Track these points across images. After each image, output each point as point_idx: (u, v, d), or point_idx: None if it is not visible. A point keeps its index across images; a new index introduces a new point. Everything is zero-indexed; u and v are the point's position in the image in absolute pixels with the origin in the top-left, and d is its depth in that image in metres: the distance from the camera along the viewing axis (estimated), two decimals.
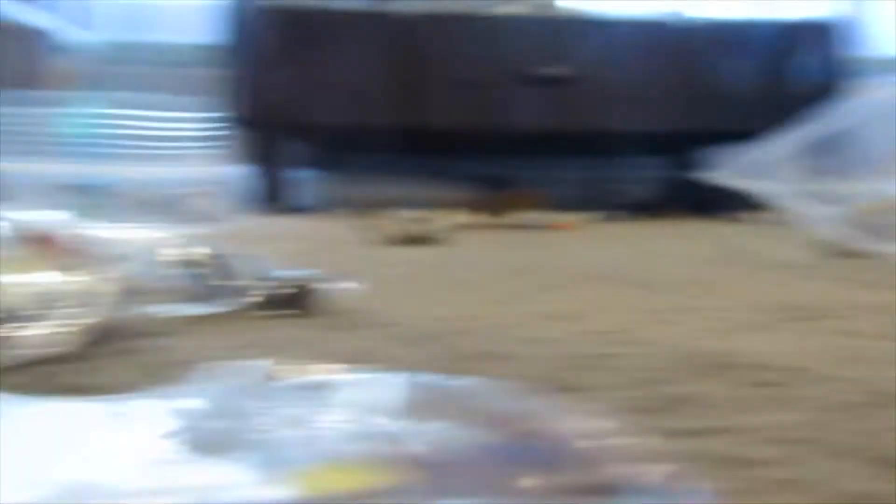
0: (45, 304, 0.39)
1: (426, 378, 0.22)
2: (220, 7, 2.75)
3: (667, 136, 2.35)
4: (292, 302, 0.45)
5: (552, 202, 2.49)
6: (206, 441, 0.19)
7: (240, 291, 0.45)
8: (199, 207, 2.18)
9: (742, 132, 1.37)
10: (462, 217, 1.20)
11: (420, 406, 0.21)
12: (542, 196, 2.43)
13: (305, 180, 2.42)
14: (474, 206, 2.21)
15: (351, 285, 0.46)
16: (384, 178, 2.48)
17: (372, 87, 2.23)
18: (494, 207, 2.17)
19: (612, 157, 2.78)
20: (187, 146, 2.52)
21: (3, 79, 1.01)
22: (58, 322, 0.36)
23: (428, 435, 0.20)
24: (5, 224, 0.35)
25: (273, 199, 2.22)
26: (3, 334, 0.38)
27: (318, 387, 0.23)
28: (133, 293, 0.40)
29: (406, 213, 1.47)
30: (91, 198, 1.57)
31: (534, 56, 2.21)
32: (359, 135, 2.64)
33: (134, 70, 2.61)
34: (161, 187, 2.08)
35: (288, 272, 0.48)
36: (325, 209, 2.38)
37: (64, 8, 2.77)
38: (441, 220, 1.17)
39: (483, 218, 1.37)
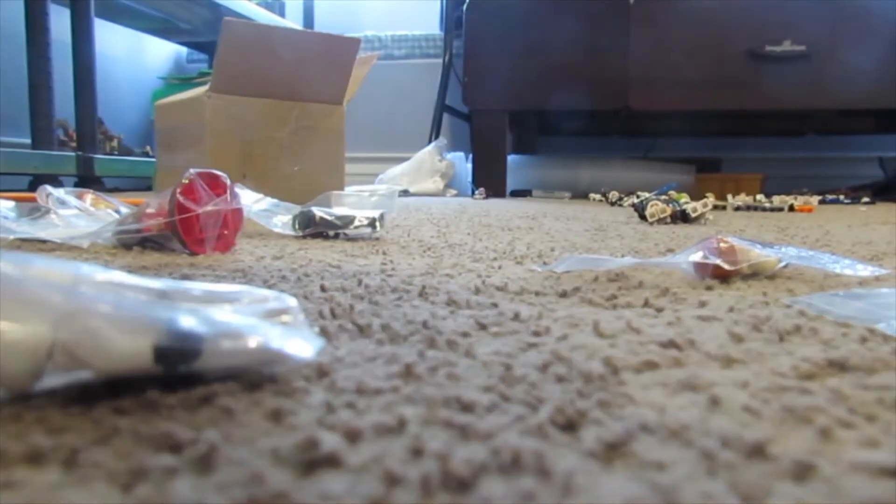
0: None
1: None
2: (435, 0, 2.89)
3: None
4: None
5: (774, 184, 2.39)
6: None
7: None
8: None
9: None
10: (710, 199, 1.18)
11: None
12: (762, 178, 2.34)
13: (516, 164, 2.48)
14: (697, 189, 2.17)
15: None
16: (592, 162, 2.50)
17: (580, 71, 2.24)
18: (717, 189, 2.12)
19: (840, 135, 2.61)
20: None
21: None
22: None
23: None
24: None
25: (482, 182, 2.30)
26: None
27: None
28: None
29: (646, 194, 1.48)
30: None
31: (761, 33, 2.12)
32: (568, 119, 2.66)
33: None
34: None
35: None
36: (541, 191, 2.43)
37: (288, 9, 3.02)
38: (688, 201, 1.17)
39: (713, 200, 1.35)
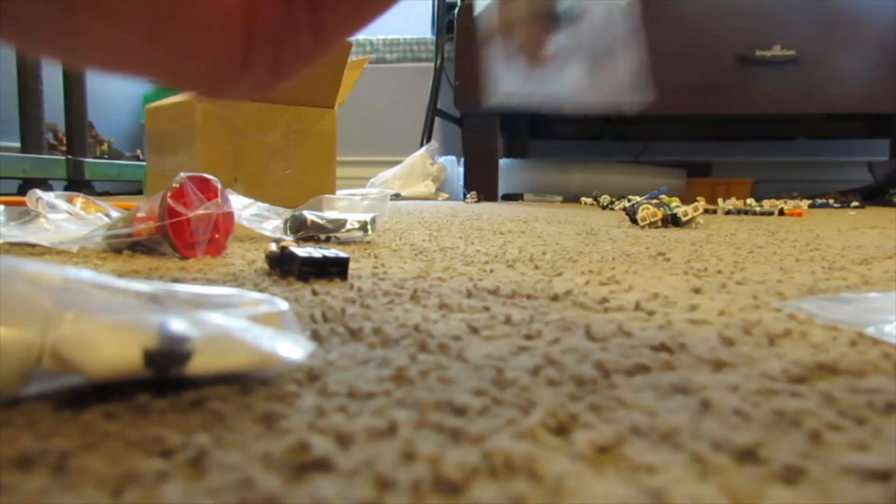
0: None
1: None
2: (427, 2, 2.89)
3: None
4: None
5: (764, 188, 2.40)
6: None
7: None
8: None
9: None
10: (701, 203, 1.19)
11: None
12: (752, 182, 2.35)
13: (508, 168, 2.49)
14: (688, 193, 2.18)
15: None
16: (583, 165, 2.50)
17: None
18: (708, 193, 2.13)
19: (830, 140, 2.63)
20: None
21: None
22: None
23: None
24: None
25: (473, 186, 2.30)
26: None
27: None
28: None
29: (638, 198, 1.49)
30: None
31: (751, 38, 2.13)
32: (559, 123, 2.66)
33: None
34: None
35: None
36: (532, 195, 2.44)
37: None
38: (679, 205, 1.18)
39: (704, 204, 1.36)
